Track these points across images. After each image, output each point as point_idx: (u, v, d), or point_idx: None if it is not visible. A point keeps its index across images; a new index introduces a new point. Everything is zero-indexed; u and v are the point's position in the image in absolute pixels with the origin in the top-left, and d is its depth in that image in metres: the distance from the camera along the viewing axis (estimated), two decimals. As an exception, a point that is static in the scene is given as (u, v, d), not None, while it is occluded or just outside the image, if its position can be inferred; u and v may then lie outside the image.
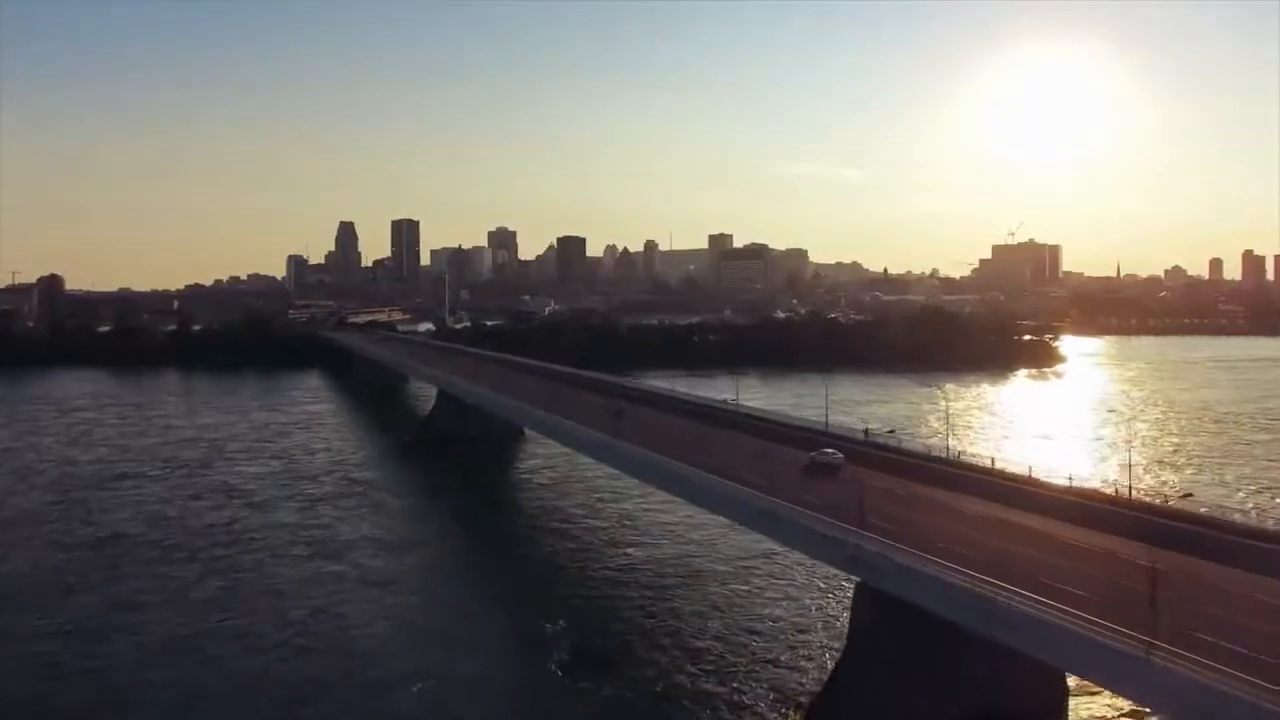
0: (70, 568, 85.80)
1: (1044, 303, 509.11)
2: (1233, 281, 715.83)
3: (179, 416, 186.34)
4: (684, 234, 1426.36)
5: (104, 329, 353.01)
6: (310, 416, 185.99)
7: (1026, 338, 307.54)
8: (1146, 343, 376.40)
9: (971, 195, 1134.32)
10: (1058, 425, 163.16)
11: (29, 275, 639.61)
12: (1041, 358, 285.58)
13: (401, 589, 79.57)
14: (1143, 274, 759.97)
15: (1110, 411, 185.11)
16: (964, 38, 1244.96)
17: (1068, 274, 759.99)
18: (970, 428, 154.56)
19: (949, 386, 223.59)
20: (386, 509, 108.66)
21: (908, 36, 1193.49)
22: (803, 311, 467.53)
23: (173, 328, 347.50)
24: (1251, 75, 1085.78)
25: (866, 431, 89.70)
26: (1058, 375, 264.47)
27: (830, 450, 79.04)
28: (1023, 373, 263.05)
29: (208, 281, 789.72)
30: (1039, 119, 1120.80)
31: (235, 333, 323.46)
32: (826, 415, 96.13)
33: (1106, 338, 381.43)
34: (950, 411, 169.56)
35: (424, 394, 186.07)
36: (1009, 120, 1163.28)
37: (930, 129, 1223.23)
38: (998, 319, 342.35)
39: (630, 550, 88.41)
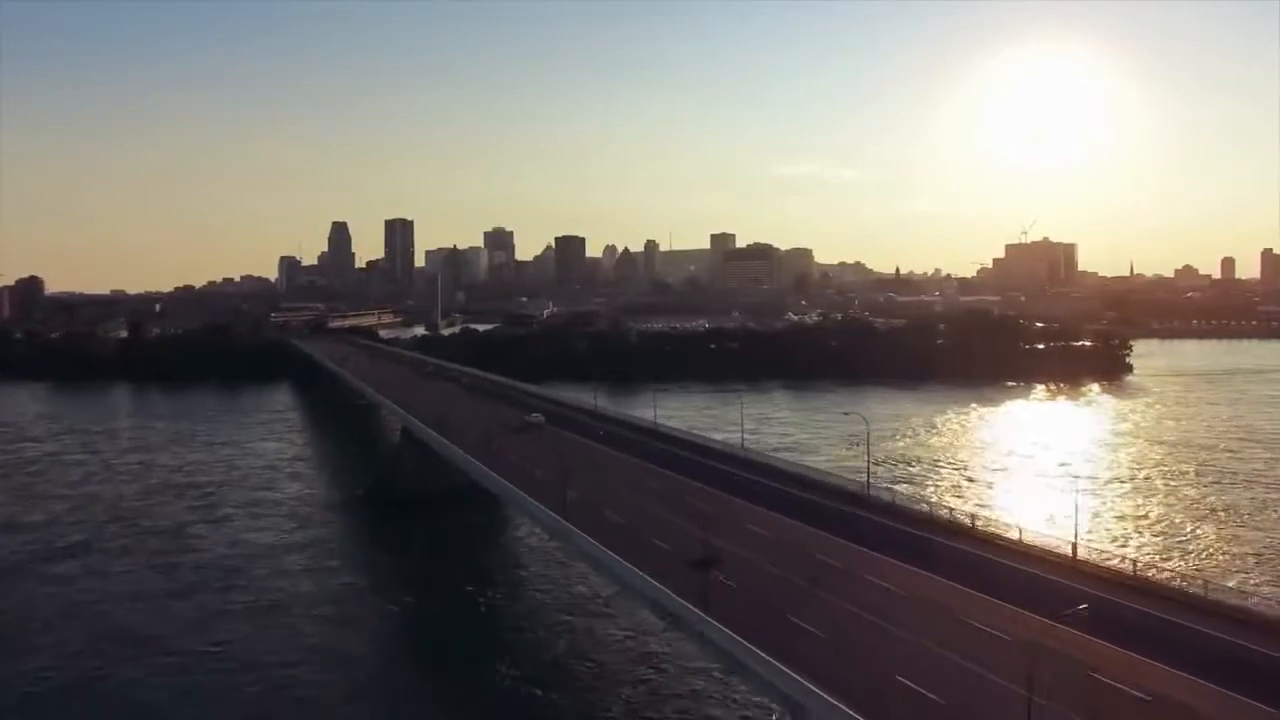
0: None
1: (1067, 304, 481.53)
2: (1248, 280, 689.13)
3: (135, 451, 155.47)
4: (683, 234, 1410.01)
5: (55, 335, 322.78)
6: (263, 456, 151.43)
7: (1086, 343, 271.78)
8: (1189, 347, 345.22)
9: (972, 195, 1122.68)
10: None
11: (19, 276, 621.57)
12: (1107, 369, 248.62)
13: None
14: (1149, 274, 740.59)
15: None
16: (964, 38, 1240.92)
17: (1082, 274, 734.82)
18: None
19: (1037, 406, 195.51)
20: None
21: (907, 37, 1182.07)
22: (815, 314, 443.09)
23: (123, 335, 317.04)
24: (1252, 75, 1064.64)
25: None
26: (1144, 391, 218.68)
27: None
28: (1095, 388, 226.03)
29: (201, 283, 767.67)
30: (1039, 119, 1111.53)
31: (196, 341, 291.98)
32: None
33: (1142, 341, 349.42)
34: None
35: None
36: (1009, 120, 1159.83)
37: (931, 129, 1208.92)
38: (1059, 323, 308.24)
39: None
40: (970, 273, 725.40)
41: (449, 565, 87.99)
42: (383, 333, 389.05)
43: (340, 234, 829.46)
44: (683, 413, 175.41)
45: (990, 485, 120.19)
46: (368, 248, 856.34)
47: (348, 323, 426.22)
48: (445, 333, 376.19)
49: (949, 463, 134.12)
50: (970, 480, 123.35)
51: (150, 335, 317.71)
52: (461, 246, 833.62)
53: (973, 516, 65.48)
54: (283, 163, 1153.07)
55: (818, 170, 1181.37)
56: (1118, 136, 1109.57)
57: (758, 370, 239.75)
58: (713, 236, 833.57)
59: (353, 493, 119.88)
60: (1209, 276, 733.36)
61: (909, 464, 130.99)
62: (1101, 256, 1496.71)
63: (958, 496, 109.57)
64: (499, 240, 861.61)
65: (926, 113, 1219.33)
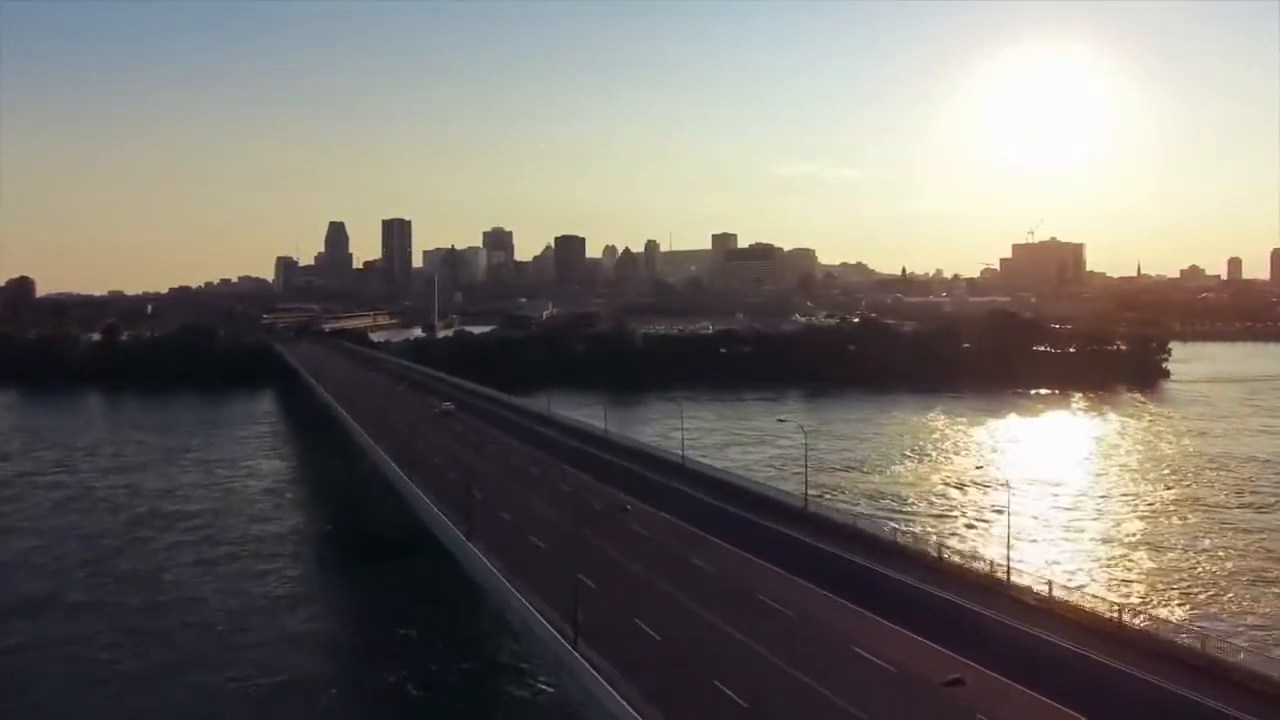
0: None
1: (1079, 304, 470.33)
2: (1259, 281, 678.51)
3: (118, 472, 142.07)
4: (684, 234, 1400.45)
5: (31, 336, 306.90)
6: (266, 476, 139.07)
7: (1121, 346, 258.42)
8: (1214, 350, 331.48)
9: (972, 195, 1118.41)
10: None
11: (10, 276, 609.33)
12: (1142, 375, 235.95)
13: None
14: (1153, 274, 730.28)
15: None
16: (964, 38, 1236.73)
17: (1090, 274, 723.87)
18: None
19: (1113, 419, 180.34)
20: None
21: (907, 37, 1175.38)
22: (823, 315, 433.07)
23: (96, 338, 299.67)
24: (1252, 75, 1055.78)
25: None
26: (1198, 400, 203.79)
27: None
28: (1137, 396, 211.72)
29: (198, 284, 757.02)
30: (1039, 119, 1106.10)
31: (175, 344, 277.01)
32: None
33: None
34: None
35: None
36: (1009, 120, 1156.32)
37: (931, 129, 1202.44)
38: (1076, 325, 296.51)
39: None
40: (975, 273, 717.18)
41: (466, 627, 74.40)
42: (377, 335, 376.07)
43: (338, 234, 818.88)
44: (717, 425, 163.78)
45: (1115, 522, 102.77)
46: (365, 248, 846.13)
47: (341, 324, 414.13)
48: (440, 335, 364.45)
49: (1037, 485, 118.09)
50: (1076, 509, 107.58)
51: (126, 338, 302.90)
52: (460, 247, 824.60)
53: (1197, 637, 45.49)
54: (281, 163, 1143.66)
55: (818, 170, 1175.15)
56: (1118, 136, 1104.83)
57: (771, 375, 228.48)
58: (714, 236, 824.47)
59: (344, 528, 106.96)
60: (1216, 277, 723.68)
61: (986, 487, 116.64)
62: (1105, 256, 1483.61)
63: (1072, 532, 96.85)
64: (498, 240, 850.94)
65: (926, 113, 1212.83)
